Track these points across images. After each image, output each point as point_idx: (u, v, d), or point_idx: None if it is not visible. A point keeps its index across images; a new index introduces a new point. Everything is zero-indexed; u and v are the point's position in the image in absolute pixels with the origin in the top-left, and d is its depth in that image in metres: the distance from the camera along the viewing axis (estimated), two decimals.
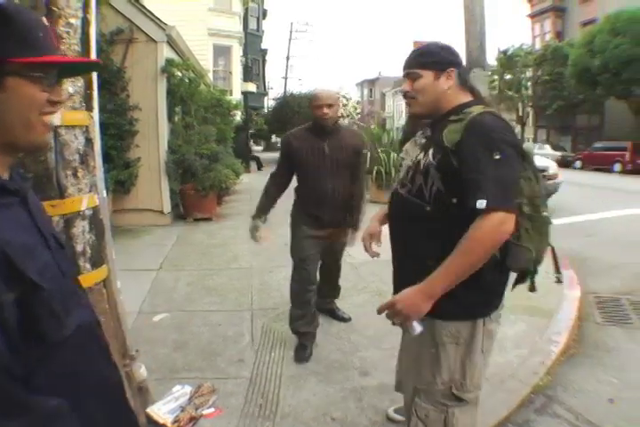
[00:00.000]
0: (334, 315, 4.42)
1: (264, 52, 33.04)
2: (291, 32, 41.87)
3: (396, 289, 2.09)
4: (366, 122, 27.73)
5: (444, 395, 2.00)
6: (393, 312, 1.84)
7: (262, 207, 3.70)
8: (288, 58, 41.32)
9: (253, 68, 28.55)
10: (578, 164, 26.96)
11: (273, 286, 5.28)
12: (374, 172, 11.45)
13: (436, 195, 1.87)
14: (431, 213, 1.89)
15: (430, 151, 1.90)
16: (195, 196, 9.06)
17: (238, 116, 15.97)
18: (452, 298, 1.80)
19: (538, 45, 36.20)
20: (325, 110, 3.38)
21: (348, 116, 37.79)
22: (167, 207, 8.84)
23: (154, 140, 8.62)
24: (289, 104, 27.50)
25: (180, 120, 9.86)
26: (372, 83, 68.29)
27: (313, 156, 3.48)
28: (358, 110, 43.13)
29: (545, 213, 1.87)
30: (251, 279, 5.55)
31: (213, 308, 4.70)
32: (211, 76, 17.69)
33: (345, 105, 38.96)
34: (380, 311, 1.90)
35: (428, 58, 1.99)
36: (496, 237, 1.68)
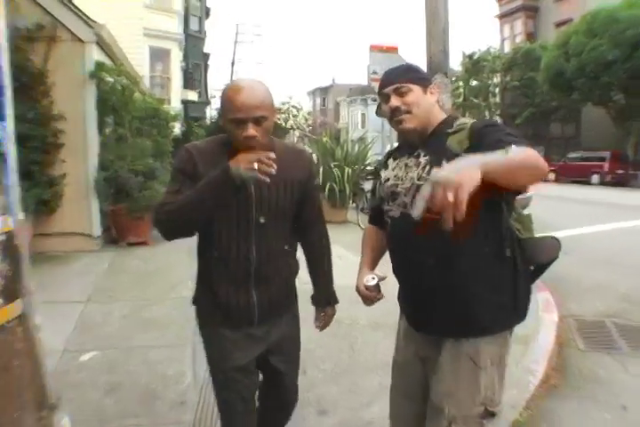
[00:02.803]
0: None
1: (206, 56, 33.04)
2: (236, 34, 42.07)
3: (422, 315, 2.21)
4: (318, 134, 27.98)
5: (480, 414, 2.10)
6: (441, 191, 1.51)
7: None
8: (233, 63, 41.45)
9: (195, 73, 28.52)
10: (551, 176, 27.66)
11: None
12: (327, 188, 11.57)
13: None
14: None
15: (445, 163, 1.89)
16: (128, 217, 8.95)
17: (177, 127, 15.90)
18: (501, 310, 2.06)
19: (507, 48, 37.23)
20: (251, 131, 2.07)
21: (298, 127, 38.00)
22: (97, 231, 8.69)
23: (82, 155, 8.50)
24: None
25: (112, 132, 9.76)
26: (325, 91, 69.02)
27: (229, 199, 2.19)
28: (310, 121, 43.44)
29: (523, 211, 2.15)
30: (192, 309, 5.42)
31: (151, 343, 4.62)
32: (147, 82, 17.58)
33: (295, 116, 39.14)
34: (420, 205, 1.58)
35: (416, 73, 2.17)
36: (536, 156, 1.74)
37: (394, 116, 2.14)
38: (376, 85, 9.90)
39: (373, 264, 2.44)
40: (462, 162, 1.62)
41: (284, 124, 37.71)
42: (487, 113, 37.20)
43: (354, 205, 12.65)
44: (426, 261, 2.05)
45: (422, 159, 2.11)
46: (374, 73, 10.93)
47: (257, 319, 2.33)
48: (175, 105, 21.07)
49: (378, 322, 4.95)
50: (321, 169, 12.06)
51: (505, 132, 1.93)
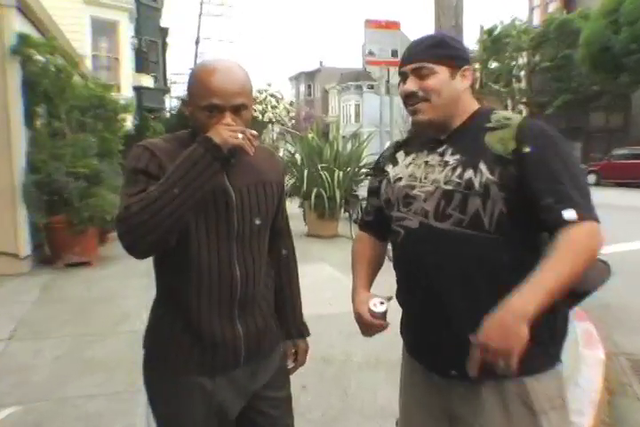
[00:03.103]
0: None
1: (164, 31, 33.12)
2: (201, 4, 42.26)
3: (445, 354, 2.09)
4: (303, 129, 27.82)
5: None
6: (490, 356, 1.75)
7: None
8: (198, 41, 41.55)
9: (150, 53, 28.56)
10: (592, 178, 27.67)
11: None
12: (313, 195, 11.59)
13: (498, 220, 1.96)
14: (495, 245, 1.98)
15: (482, 166, 1.97)
16: (67, 232, 8.88)
17: (129, 121, 15.83)
18: (538, 344, 1.91)
19: (537, 20, 37.37)
20: (229, 121, 2.05)
21: (278, 121, 38.02)
22: (26, 248, 8.65)
23: (4, 154, 8.45)
24: None
25: (45, 126, 9.71)
26: (310, 76, 69.70)
27: (204, 204, 2.14)
28: (292, 114, 43.40)
29: None
30: None
31: (93, 391, 4.55)
32: (89, 63, 17.52)
33: (274, 107, 39.16)
34: (474, 367, 1.81)
35: (444, 50, 2.09)
36: (594, 246, 1.83)
37: (407, 104, 2.11)
38: (372, 69, 10.02)
39: (370, 284, 2.38)
40: (505, 316, 1.74)
41: (260, 118, 37.72)
42: (509, 102, 37.34)
43: (346, 215, 12.70)
44: (450, 282, 2.00)
45: (450, 158, 2.07)
46: (371, 54, 10.97)
47: (243, 358, 2.23)
48: (126, 93, 20.99)
49: (378, 358, 4.95)
50: (305, 172, 12.12)
51: (559, 165, 1.92)
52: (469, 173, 1.98)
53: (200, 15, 41.79)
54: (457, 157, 2.05)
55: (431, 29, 6.60)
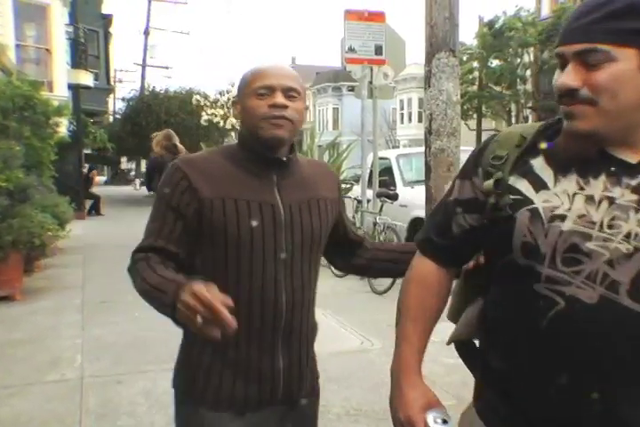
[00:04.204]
0: None
1: (107, 19, 33.04)
2: None
3: None
4: None
5: None
6: None
7: None
8: (147, 32, 41.42)
9: (89, 45, 28.45)
10: None
11: (122, 409, 5.09)
12: None
13: None
14: None
15: None
16: None
17: (64, 126, 15.76)
18: None
19: (546, 10, 37.60)
20: (281, 99, 2.22)
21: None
22: None
23: None
24: (149, 108, 27.54)
25: None
26: None
27: (247, 223, 2.25)
28: None
29: None
30: (82, 398, 5.34)
31: None
32: (13, 55, 17.36)
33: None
34: None
35: (633, 21, 1.50)
36: None
37: (561, 102, 1.62)
38: (353, 68, 9.97)
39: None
40: None
41: (222, 124, 37.66)
42: (514, 106, 37.52)
43: None
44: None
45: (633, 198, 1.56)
46: (351, 50, 10.93)
47: (281, 394, 2.32)
48: (60, 92, 20.87)
49: (359, 408, 4.84)
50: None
51: None
52: None
53: (150, 0, 41.77)
54: None
55: (421, 21, 6.64)
